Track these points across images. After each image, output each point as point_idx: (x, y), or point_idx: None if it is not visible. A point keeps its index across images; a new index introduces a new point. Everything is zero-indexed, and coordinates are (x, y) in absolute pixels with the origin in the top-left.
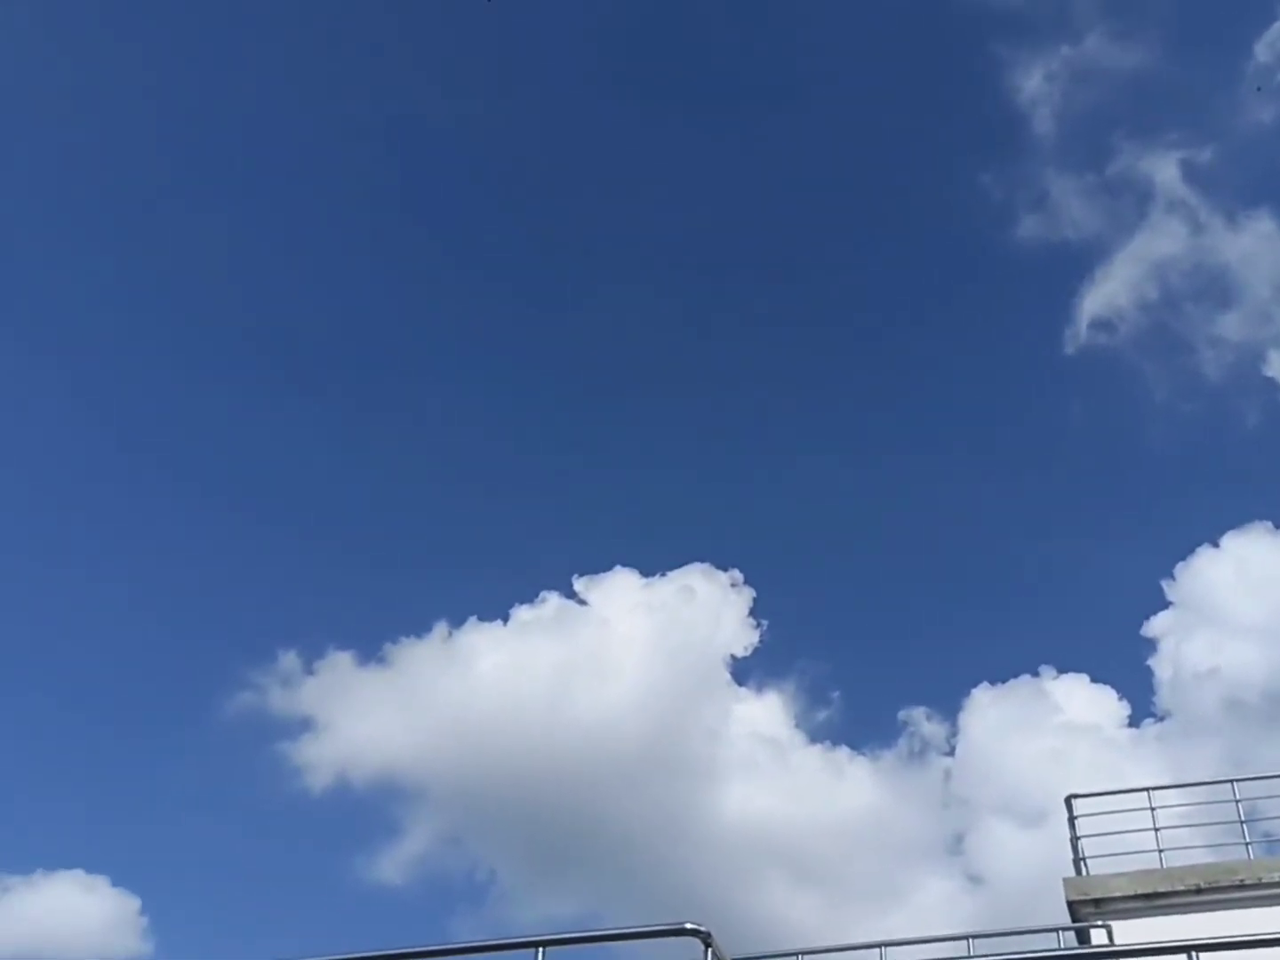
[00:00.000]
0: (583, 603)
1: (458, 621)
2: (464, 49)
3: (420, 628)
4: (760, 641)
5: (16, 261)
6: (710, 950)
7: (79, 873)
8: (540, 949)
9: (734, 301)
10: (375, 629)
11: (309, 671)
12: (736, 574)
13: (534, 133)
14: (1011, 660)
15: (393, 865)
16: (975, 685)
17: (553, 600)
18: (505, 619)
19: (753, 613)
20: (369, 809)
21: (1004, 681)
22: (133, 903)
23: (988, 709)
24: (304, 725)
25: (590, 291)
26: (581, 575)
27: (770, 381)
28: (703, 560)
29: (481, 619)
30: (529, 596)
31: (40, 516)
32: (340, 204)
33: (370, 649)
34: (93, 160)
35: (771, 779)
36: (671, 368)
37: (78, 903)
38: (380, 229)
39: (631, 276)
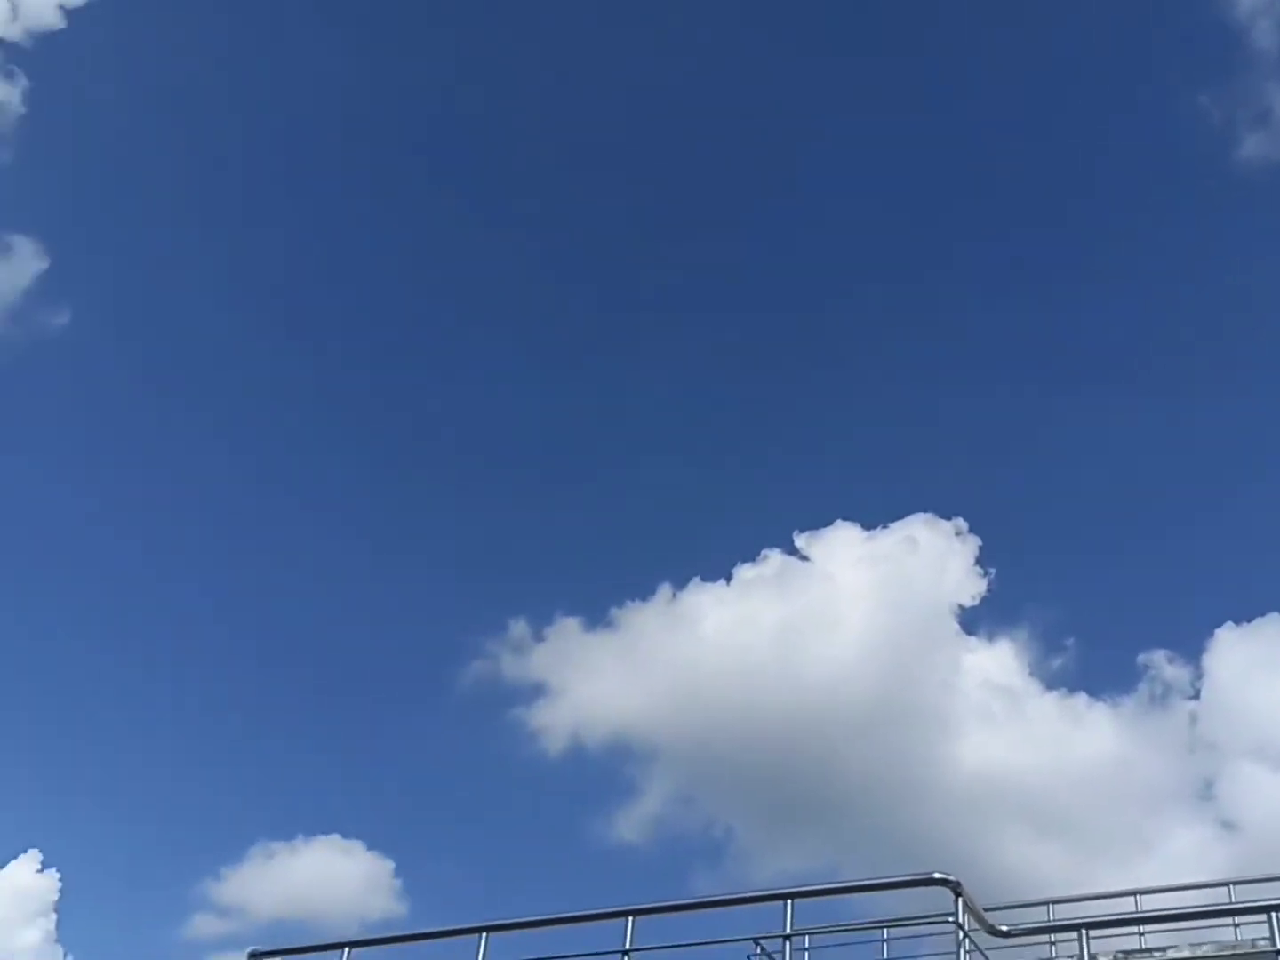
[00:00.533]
0: (805, 559)
1: (681, 583)
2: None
3: (644, 591)
4: (988, 590)
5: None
6: (961, 900)
7: (336, 837)
8: (789, 901)
9: (944, 251)
10: (601, 594)
11: (539, 638)
12: (960, 522)
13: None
14: (1257, 597)
15: (630, 824)
16: (1219, 625)
17: (775, 557)
18: (728, 578)
19: (979, 561)
20: (604, 770)
21: (1250, 620)
22: (387, 865)
23: (1234, 649)
24: (537, 691)
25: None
26: (802, 531)
27: (987, 323)
28: (925, 510)
29: (704, 579)
30: (751, 555)
31: (289, 499)
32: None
33: (597, 614)
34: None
35: (1007, 728)
36: (883, 313)
37: (337, 866)
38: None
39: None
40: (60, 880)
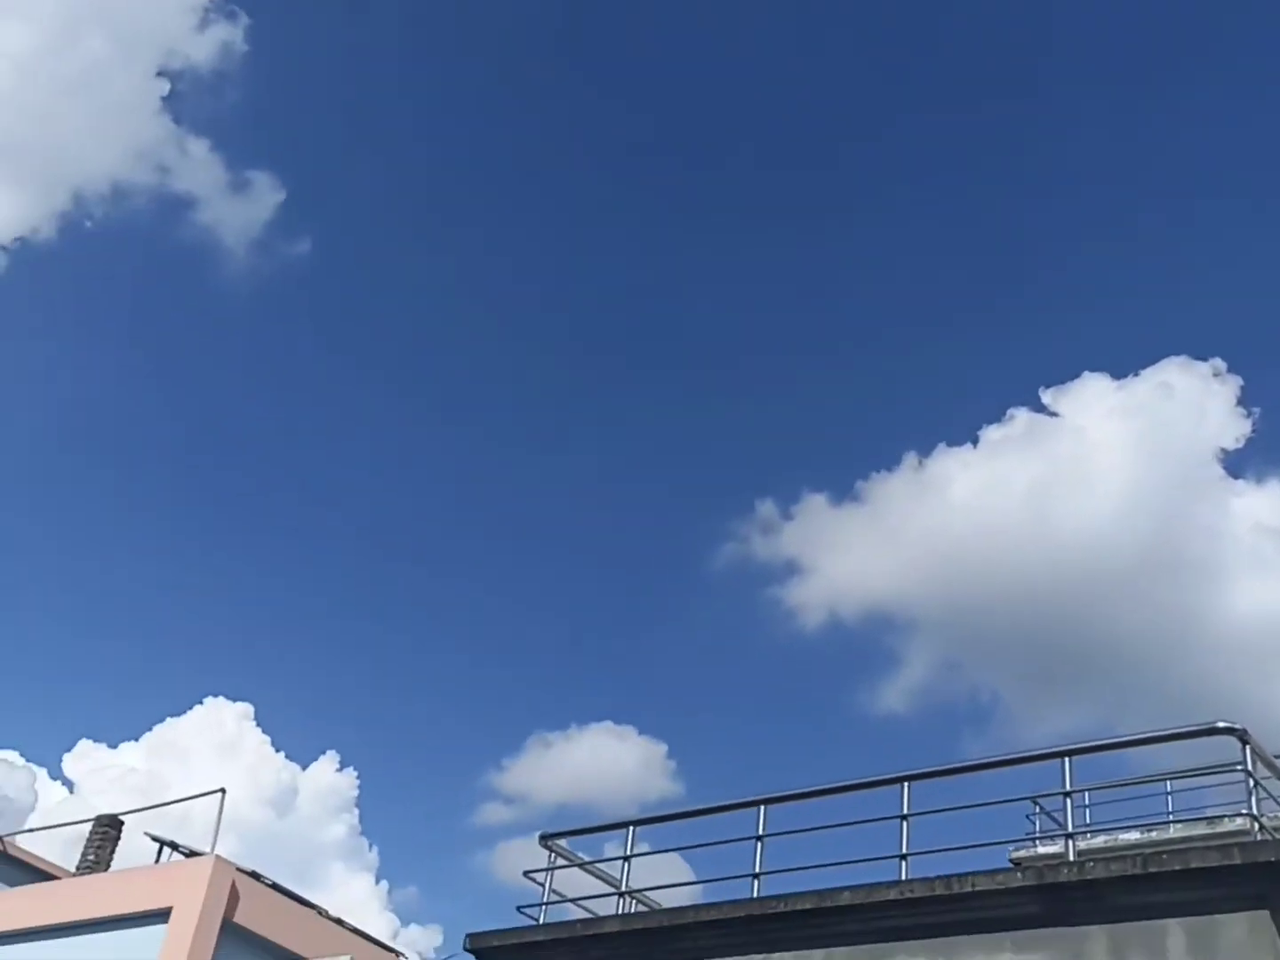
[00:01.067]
0: (1053, 414)
1: (926, 450)
2: None
3: (889, 461)
4: (1253, 430)
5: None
6: (1249, 747)
7: (609, 724)
8: (1066, 758)
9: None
10: (845, 468)
11: (786, 517)
12: (1219, 363)
13: None
14: None
15: (894, 695)
16: None
17: (1021, 416)
18: (974, 441)
19: (1241, 401)
20: (863, 643)
21: None
22: (659, 748)
23: None
24: (789, 569)
25: None
26: (1049, 387)
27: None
28: (1178, 353)
29: (950, 444)
30: (996, 416)
31: (554, 406)
32: None
33: (842, 488)
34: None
35: None
36: (1114, 151)
37: (612, 751)
38: None
39: None
40: (358, 778)
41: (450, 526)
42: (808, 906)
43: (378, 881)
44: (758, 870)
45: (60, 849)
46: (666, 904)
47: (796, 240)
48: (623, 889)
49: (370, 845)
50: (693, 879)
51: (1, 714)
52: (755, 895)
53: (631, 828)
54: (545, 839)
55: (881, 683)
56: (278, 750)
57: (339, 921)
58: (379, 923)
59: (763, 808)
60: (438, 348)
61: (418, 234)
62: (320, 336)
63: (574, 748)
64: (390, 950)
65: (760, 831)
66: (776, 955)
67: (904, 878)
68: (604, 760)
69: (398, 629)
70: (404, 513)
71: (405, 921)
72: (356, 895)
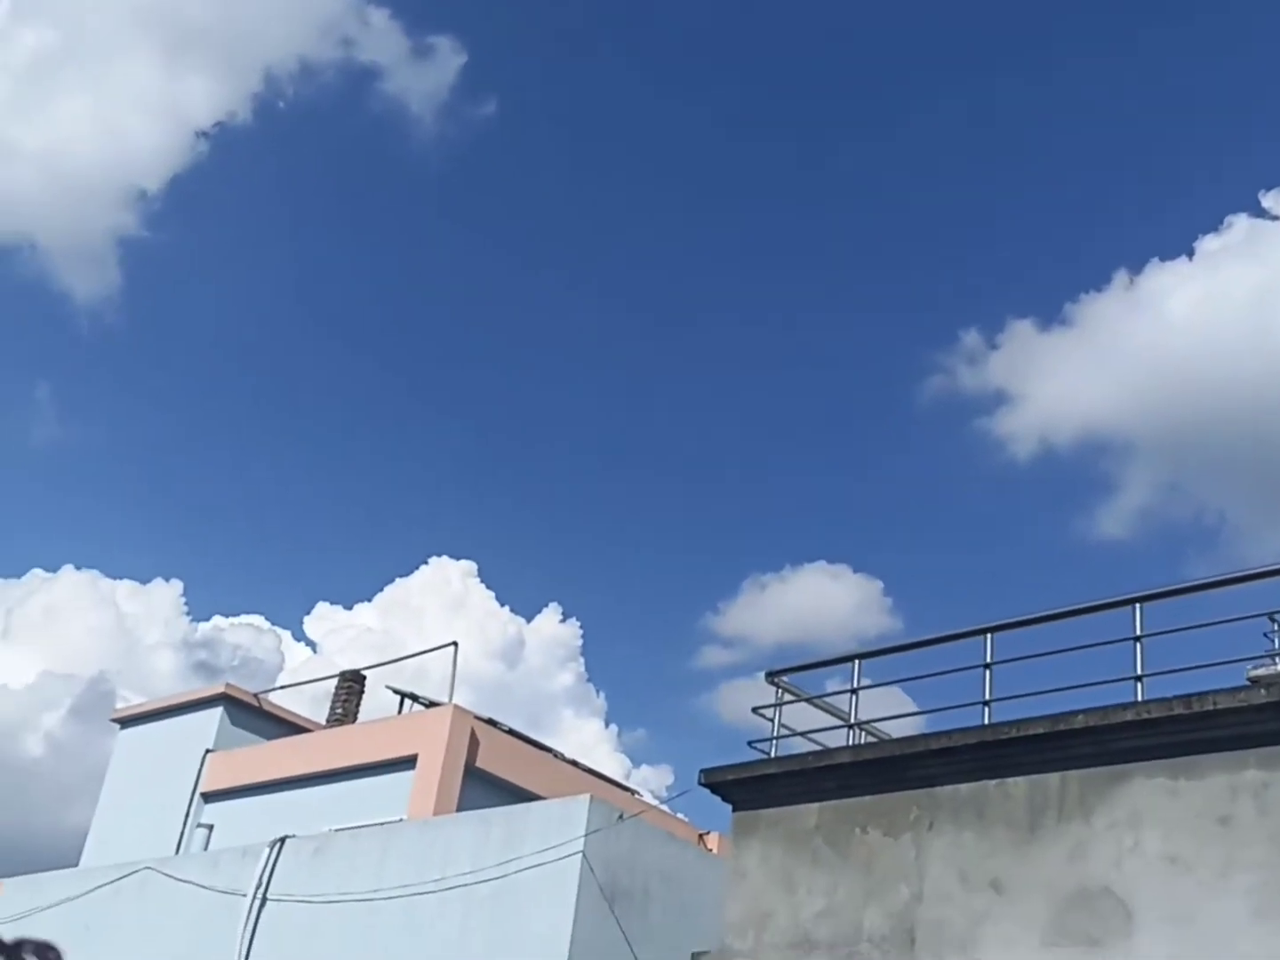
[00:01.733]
0: (1275, 219)
1: (1136, 266)
2: None
3: (1098, 280)
4: None
5: None
6: None
7: (822, 564)
8: None
9: None
10: (1051, 291)
11: (992, 346)
12: None
13: None
14: None
15: (1113, 521)
16: None
17: (1240, 223)
18: (1189, 253)
19: None
20: (1077, 469)
21: None
22: (874, 585)
23: None
24: (997, 399)
25: None
26: (1269, 189)
27: None
28: None
29: (1163, 259)
30: (1212, 224)
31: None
32: None
33: (1049, 312)
34: None
35: None
36: None
37: (827, 590)
38: None
39: None
40: (581, 628)
41: (655, 366)
42: (1041, 731)
43: (607, 725)
44: (988, 698)
45: (309, 704)
46: (895, 735)
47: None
48: (851, 721)
49: (597, 691)
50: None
51: (247, 581)
52: (986, 722)
53: (857, 661)
54: (771, 676)
55: (1099, 509)
56: (502, 605)
57: (574, 763)
58: (611, 764)
59: (990, 635)
60: (633, 193)
61: (596, 84)
62: (509, 196)
63: (789, 589)
64: (625, 789)
65: (988, 659)
66: (1011, 781)
67: (1140, 699)
68: (820, 600)
69: (609, 478)
70: (605, 362)
71: (636, 763)
72: (587, 739)
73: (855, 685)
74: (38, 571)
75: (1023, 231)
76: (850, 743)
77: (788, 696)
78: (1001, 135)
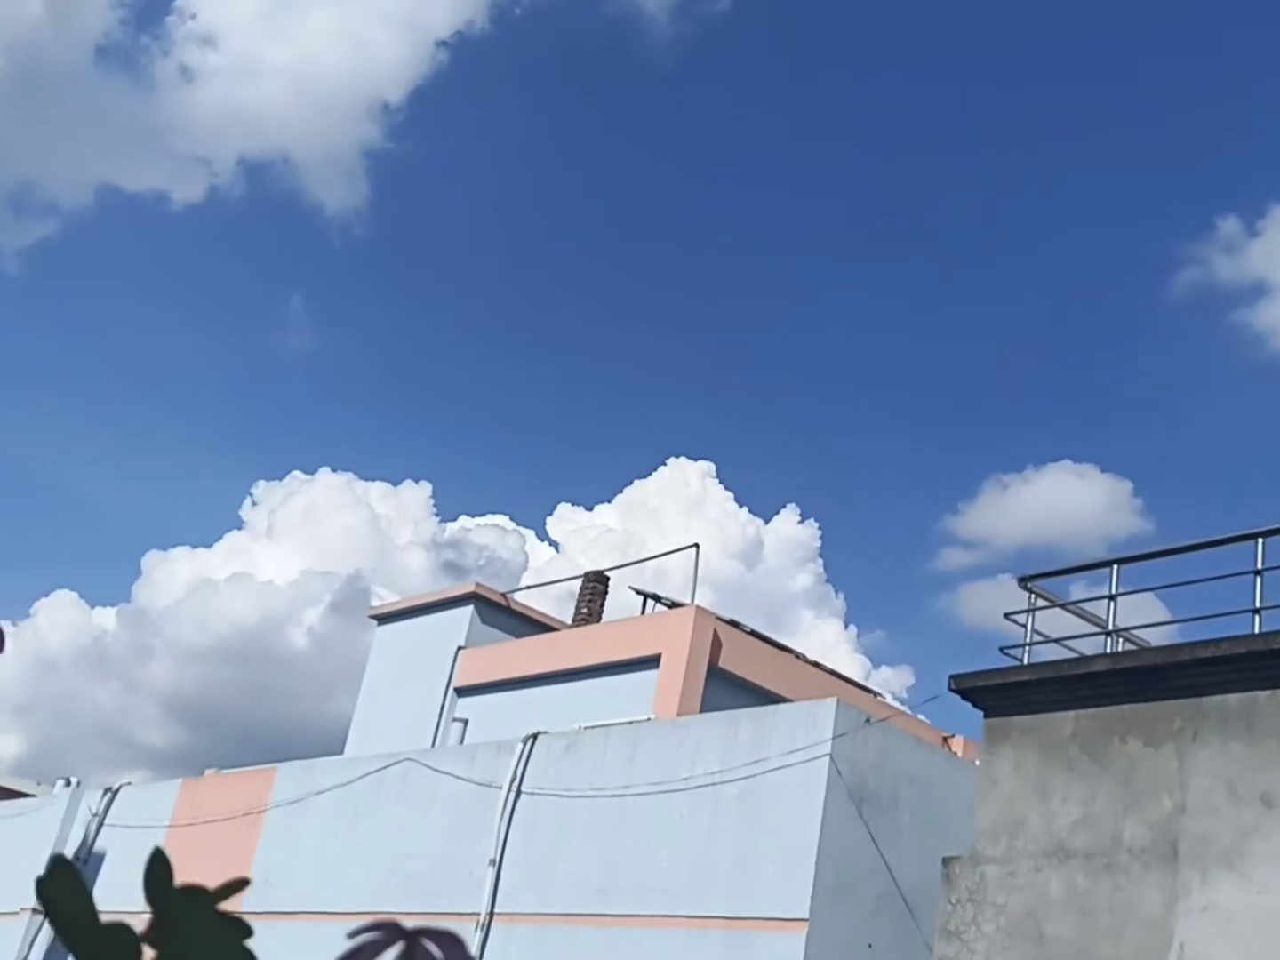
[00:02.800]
0: None
1: None
2: None
3: None
4: None
5: None
6: None
7: (1067, 463)
8: None
9: None
10: None
11: (1252, 233)
12: None
13: None
14: None
15: None
16: None
17: None
18: None
19: None
20: None
21: None
22: (1124, 485)
23: None
24: (1256, 291)
25: None
26: None
27: None
28: None
29: None
30: None
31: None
32: None
33: None
34: None
35: None
36: None
37: (1072, 491)
38: None
39: None
40: (819, 529)
41: (887, 252)
42: None
43: (846, 627)
44: (1258, 605)
45: (553, 604)
46: (1153, 644)
47: None
48: (1109, 629)
49: (836, 592)
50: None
51: (492, 482)
52: (1257, 630)
53: (1116, 566)
54: (1024, 581)
55: None
56: (740, 506)
57: (815, 664)
58: (851, 665)
59: (1261, 541)
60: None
61: None
62: (745, 92)
63: (1031, 489)
64: (867, 691)
65: (1259, 565)
66: None
67: None
68: (1064, 501)
69: (847, 377)
70: (846, 261)
71: (875, 664)
72: (827, 640)
73: (1113, 591)
74: (297, 473)
75: None
76: (1108, 650)
77: (1041, 602)
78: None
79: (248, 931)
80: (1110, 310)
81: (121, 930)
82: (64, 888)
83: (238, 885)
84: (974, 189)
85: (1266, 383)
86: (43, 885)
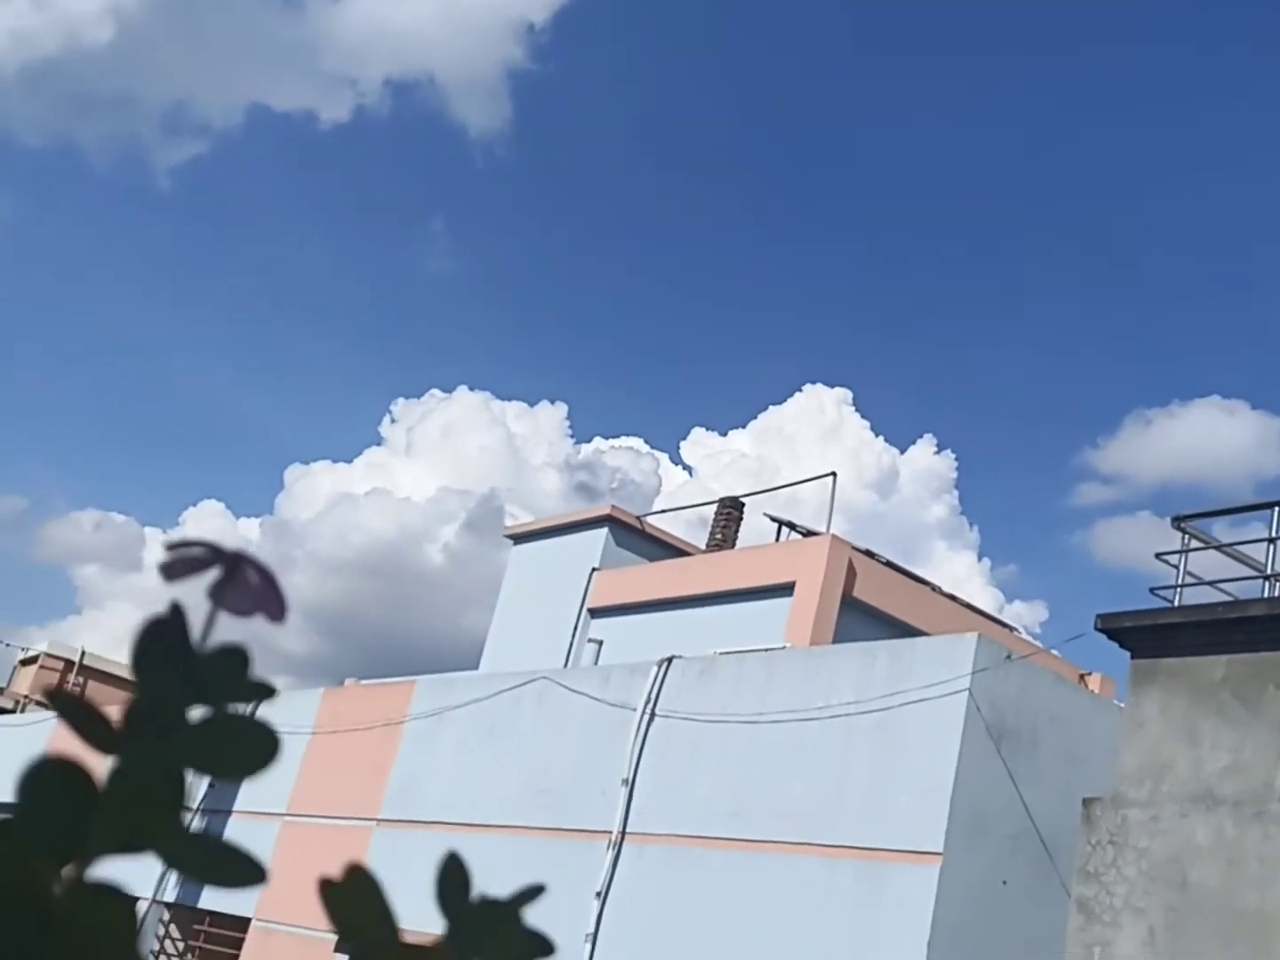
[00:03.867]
0: None
1: None
2: None
3: None
4: None
5: None
6: None
7: (1215, 398)
8: None
9: None
10: None
11: None
12: None
13: None
14: None
15: None
16: None
17: None
18: None
19: None
20: None
21: None
22: (1276, 423)
23: None
24: None
25: None
26: None
27: None
28: None
29: None
30: None
31: None
32: None
33: None
34: None
35: None
36: None
37: (1220, 427)
38: None
39: None
40: (956, 460)
41: (1021, 176)
42: None
43: (980, 559)
44: None
45: (685, 529)
46: None
47: None
48: (1268, 572)
49: (970, 525)
50: None
51: (627, 405)
52: None
53: (1277, 508)
54: (1178, 520)
55: None
56: (876, 434)
57: (951, 597)
58: (984, 598)
59: None
60: None
61: None
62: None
63: (1177, 424)
64: (1003, 625)
65: None
66: None
67: None
68: (1211, 438)
69: (986, 305)
70: (985, 179)
71: (1009, 598)
72: (960, 573)
73: (1273, 534)
74: (435, 392)
75: None
76: (1265, 595)
77: (1195, 543)
78: None
79: (550, 949)
80: (1262, 238)
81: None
82: (358, 896)
83: (533, 894)
84: (1127, 104)
85: None
86: (330, 889)
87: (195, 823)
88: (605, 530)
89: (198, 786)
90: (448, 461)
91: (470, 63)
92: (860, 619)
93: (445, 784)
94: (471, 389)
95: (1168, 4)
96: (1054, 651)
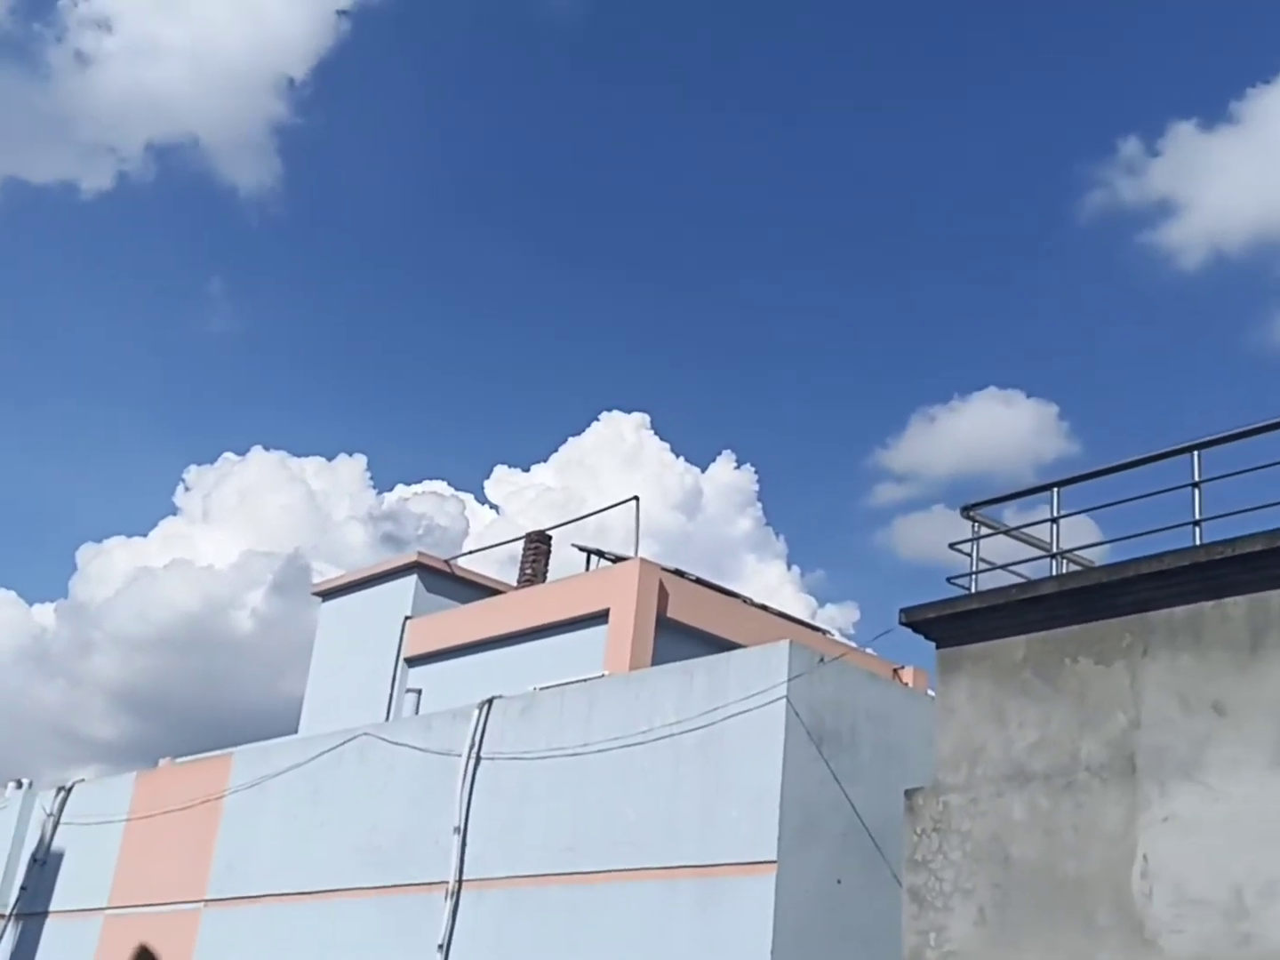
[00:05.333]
0: None
1: None
2: None
3: (1266, 72)
4: None
5: None
6: None
7: (992, 390)
8: None
9: None
10: (1214, 88)
11: (1153, 153)
12: None
13: None
14: None
15: None
16: None
17: None
18: None
19: None
20: (1254, 276)
21: None
22: (1050, 409)
23: None
24: (1161, 210)
25: None
26: None
27: None
28: None
29: None
30: None
31: None
32: None
33: (1214, 111)
34: None
35: None
36: None
37: (1000, 417)
38: None
39: None
40: (756, 473)
41: (800, 189)
42: (1260, 548)
43: (789, 568)
44: (1197, 517)
45: (497, 567)
46: (1097, 563)
47: None
48: (1054, 551)
49: (777, 534)
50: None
51: (427, 449)
52: (1198, 542)
53: (1056, 489)
54: (967, 510)
55: (1278, 315)
56: (677, 455)
57: (763, 607)
58: (797, 605)
59: (1197, 453)
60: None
61: None
62: (648, 47)
63: (959, 418)
64: (816, 629)
65: (1196, 478)
66: (1229, 600)
67: None
68: (993, 428)
69: (769, 324)
70: (761, 190)
71: (821, 603)
72: (771, 583)
73: (1055, 514)
74: (229, 455)
75: (1179, 25)
76: (1053, 573)
77: (984, 530)
78: None
79: None
80: (1020, 237)
81: None
82: None
83: None
84: (877, 113)
85: (1178, 298)
86: None
87: (8, 930)
88: (414, 577)
89: (8, 891)
90: (248, 524)
91: (232, 122)
92: (677, 639)
93: (273, 855)
94: (266, 448)
95: None
96: (867, 650)
